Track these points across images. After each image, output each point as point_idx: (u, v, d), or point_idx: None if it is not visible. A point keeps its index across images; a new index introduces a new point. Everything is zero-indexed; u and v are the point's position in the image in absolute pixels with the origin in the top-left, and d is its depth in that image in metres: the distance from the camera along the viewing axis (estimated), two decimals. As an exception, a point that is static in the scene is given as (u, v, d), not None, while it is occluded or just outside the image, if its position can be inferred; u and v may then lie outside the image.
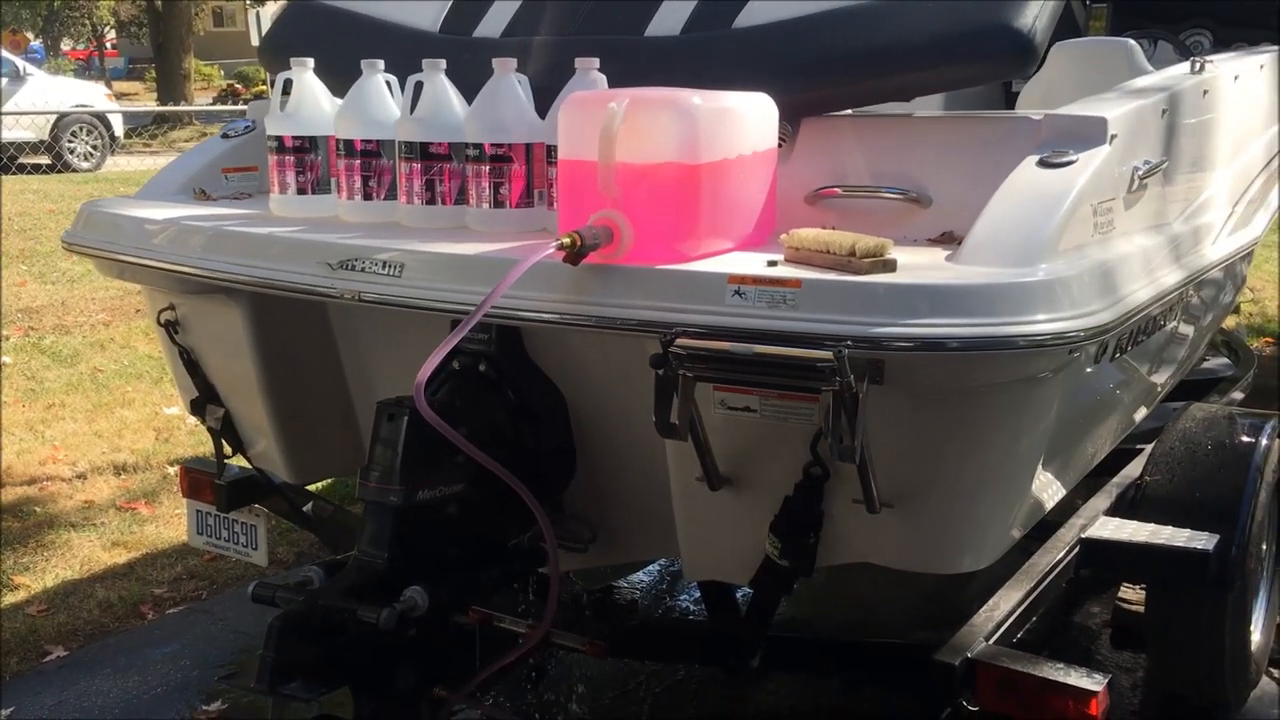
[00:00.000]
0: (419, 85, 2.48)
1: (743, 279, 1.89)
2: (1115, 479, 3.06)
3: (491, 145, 2.38)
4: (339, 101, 2.64)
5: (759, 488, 2.13)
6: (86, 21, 39.66)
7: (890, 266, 1.90)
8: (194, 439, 5.25)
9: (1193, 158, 2.72)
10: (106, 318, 7.46)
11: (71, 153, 15.38)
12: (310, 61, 2.65)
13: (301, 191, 2.65)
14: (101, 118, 15.87)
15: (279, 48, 3.11)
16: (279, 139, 2.63)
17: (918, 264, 1.96)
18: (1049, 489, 2.33)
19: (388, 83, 2.57)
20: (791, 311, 1.84)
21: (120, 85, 33.18)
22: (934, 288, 1.81)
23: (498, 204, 2.40)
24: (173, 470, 4.91)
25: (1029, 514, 2.26)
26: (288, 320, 2.70)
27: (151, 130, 23.08)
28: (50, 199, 11.69)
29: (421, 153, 2.45)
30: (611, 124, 1.97)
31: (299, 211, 2.64)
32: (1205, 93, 2.75)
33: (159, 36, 24.87)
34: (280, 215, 2.64)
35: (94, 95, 17.09)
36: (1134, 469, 3.11)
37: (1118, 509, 2.88)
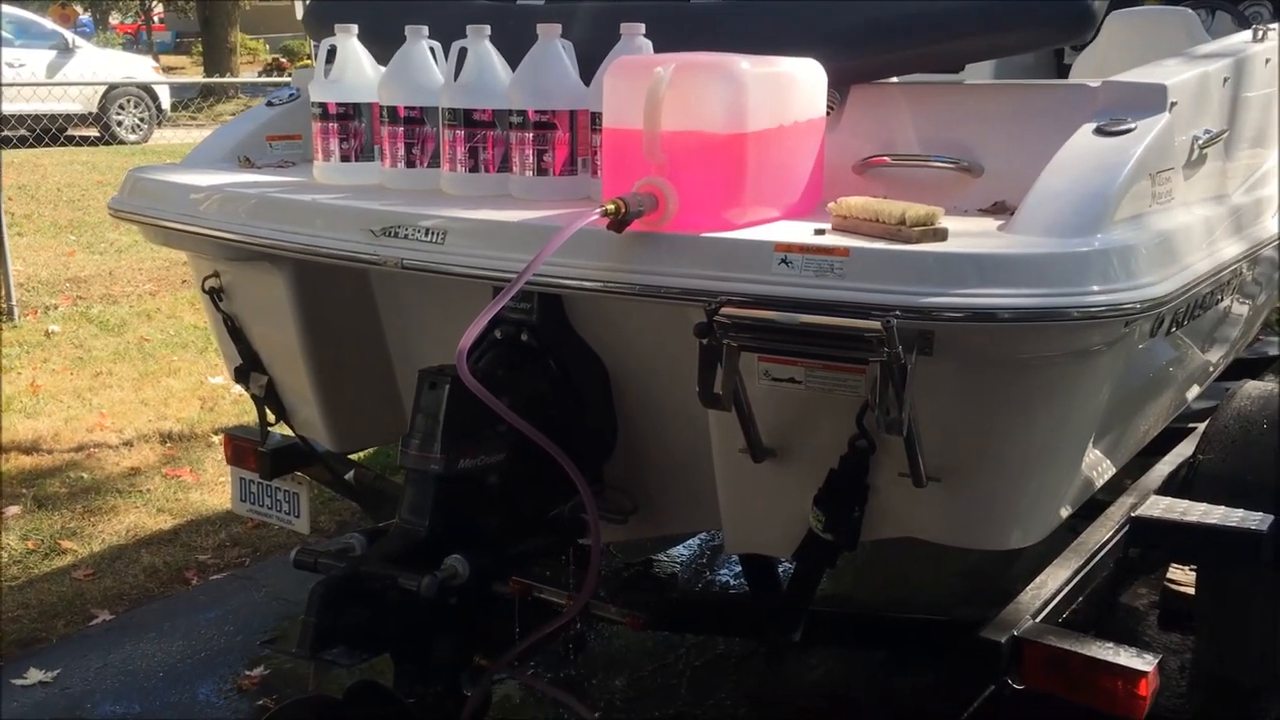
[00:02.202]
0: (463, 51, 2.45)
1: (789, 247, 1.85)
2: (1167, 458, 3.01)
3: (535, 112, 2.35)
4: (383, 68, 2.62)
5: (803, 460, 2.10)
6: (134, -5, 39.93)
7: (941, 235, 1.86)
8: (238, 408, 5.29)
9: (1254, 129, 2.64)
10: (153, 288, 7.53)
11: (119, 125, 15.53)
12: (354, 28, 2.63)
13: (345, 159, 2.64)
14: (149, 90, 16.00)
15: (324, 15, 3.09)
16: (323, 106, 2.62)
17: (969, 233, 1.91)
18: (1099, 466, 2.28)
19: (431, 49, 2.55)
20: (839, 280, 1.80)
21: (167, 59, 33.42)
22: (985, 256, 1.77)
23: (541, 172, 2.38)
24: (217, 439, 4.96)
25: (1079, 491, 2.22)
26: (331, 287, 2.69)
27: (198, 103, 23.22)
28: (98, 170, 11.81)
29: (465, 119, 2.43)
30: (657, 89, 1.94)
31: (343, 179, 2.63)
32: (1268, 61, 2.67)
33: (206, 10, 25.02)
34: (324, 182, 2.63)
35: (142, 68, 17.22)
36: (1186, 448, 3.05)
37: (1169, 488, 2.82)
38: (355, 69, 2.64)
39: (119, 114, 15.60)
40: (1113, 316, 1.79)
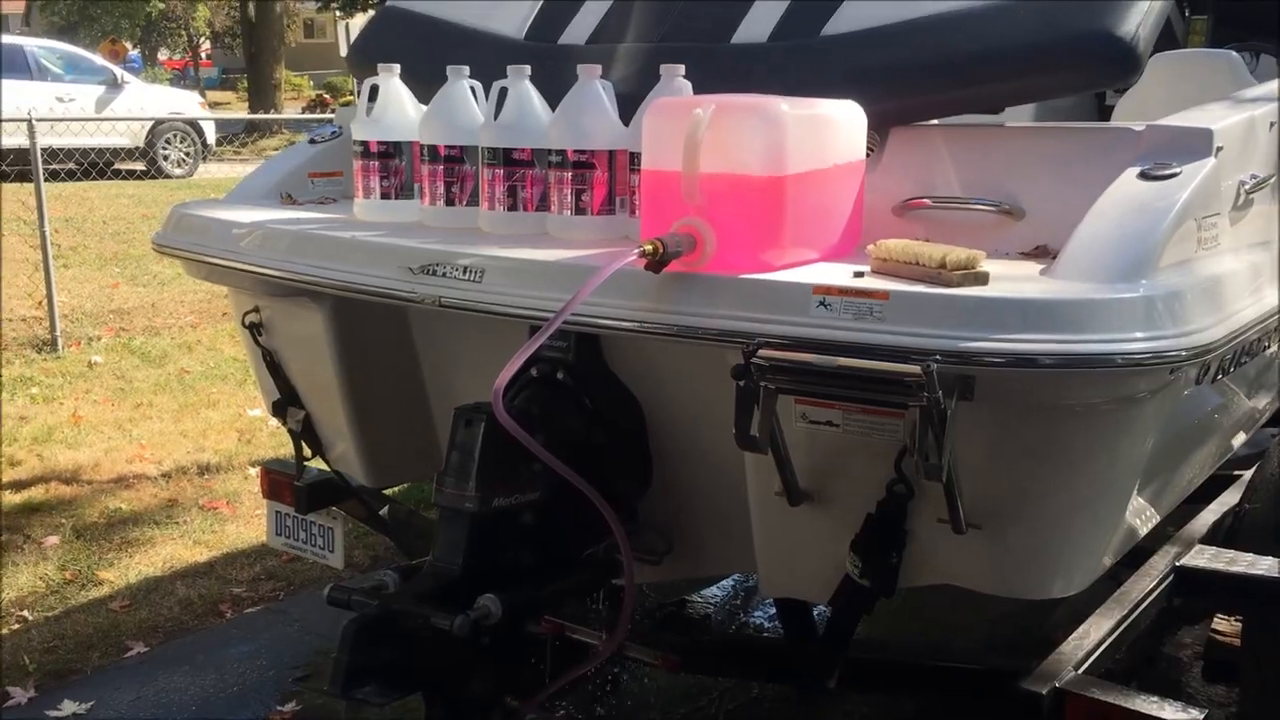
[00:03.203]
0: (503, 91, 2.47)
1: (828, 289, 1.84)
2: (1212, 506, 2.95)
3: (574, 152, 2.36)
4: (424, 107, 2.64)
5: (840, 504, 2.08)
6: (183, 32, 40.75)
7: (982, 279, 1.84)
8: (275, 441, 5.32)
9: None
10: (194, 320, 7.61)
11: (165, 159, 15.78)
12: (396, 68, 2.66)
13: (385, 196, 2.66)
14: (195, 125, 16.26)
15: (367, 54, 3.13)
16: (364, 144, 2.64)
17: (1010, 277, 1.89)
18: (1143, 514, 2.24)
19: (472, 89, 2.57)
20: (878, 324, 1.78)
21: (213, 94, 34.02)
22: (1027, 301, 1.75)
23: (579, 211, 2.38)
24: (254, 471, 4.98)
25: (1122, 540, 2.18)
26: (369, 324, 2.71)
27: (242, 138, 23.62)
28: (144, 204, 12.00)
29: (504, 158, 2.44)
30: (696, 130, 1.94)
31: (383, 216, 2.64)
32: (1316, 105, 2.63)
33: (251, 47, 25.51)
34: (364, 219, 2.65)
35: (188, 103, 17.52)
36: (1231, 496, 2.99)
37: (1214, 536, 2.77)
38: (397, 108, 2.66)
39: (165, 148, 15.86)
40: (1158, 364, 1.76)
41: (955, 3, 2.33)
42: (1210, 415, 2.49)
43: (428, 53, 2.90)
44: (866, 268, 1.98)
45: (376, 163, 2.65)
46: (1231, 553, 2.57)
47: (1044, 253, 2.16)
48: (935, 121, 2.48)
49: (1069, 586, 2.07)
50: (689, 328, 1.94)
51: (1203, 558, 2.56)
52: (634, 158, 2.33)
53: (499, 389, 1.95)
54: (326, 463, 3.05)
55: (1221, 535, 2.74)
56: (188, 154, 16.37)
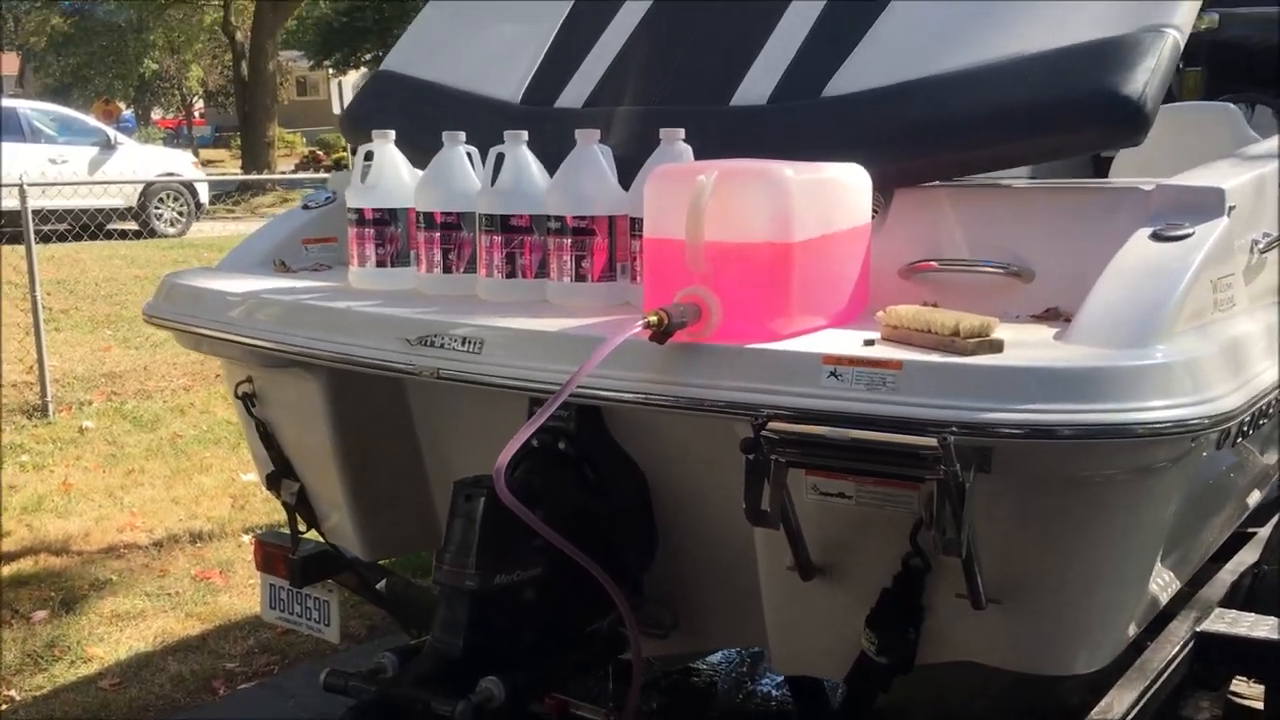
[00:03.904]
0: (500, 156, 2.43)
1: (839, 359, 1.79)
2: (1229, 566, 2.88)
3: (574, 218, 2.32)
4: (419, 173, 2.61)
5: (854, 578, 2.02)
6: (176, 92, 41.03)
7: (997, 347, 1.79)
8: (269, 507, 5.23)
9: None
10: (187, 382, 7.54)
11: (158, 219, 15.79)
12: (392, 134, 2.62)
13: (381, 264, 2.61)
14: (188, 185, 16.29)
15: (361, 118, 3.11)
16: (359, 211, 2.60)
17: (1025, 343, 1.84)
18: (1166, 582, 2.18)
19: (469, 154, 2.54)
20: (891, 394, 1.73)
21: (207, 152, 34.23)
22: (1046, 370, 1.69)
23: (579, 277, 2.34)
24: (247, 538, 4.90)
25: (1146, 610, 2.12)
26: (365, 395, 2.65)
27: (235, 196, 23.70)
28: (137, 264, 11.97)
29: (502, 225, 2.40)
30: (700, 198, 1.90)
31: (378, 284, 2.59)
32: (1324, 160, 2.60)
33: (245, 105, 25.64)
34: (359, 288, 2.60)
35: (181, 163, 17.56)
36: (1248, 555, 2.93)
37: (1233, 598, 2.70)
38: (392, 174, 2.62)
39: (158, 208, 15.88)
40: (1179, 433, 1.71)
41: (957, 63, 2.30)
42: (1228, 477, 2.44)
43: (423, 118, 2.87)
44: (876, 335, 1.93)
45: (371, 230, 2.61)
46: (1252, 616, 2.51)
47: (1055, 315, 2.12)
48: (939, 182, 2.44)
49: (1094, 661, 2.00)
50: (696, 400, 1.89)
51: (1223, 622, 2.49)
52: (634, 223, 2.29)
53: (501, 467, 1.89)
54: (321, 535, 2.97)
55: (1241, 597, 2.67)
56: (180, 213, 16.39)
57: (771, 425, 1.78)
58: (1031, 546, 1.88)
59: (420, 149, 2.63)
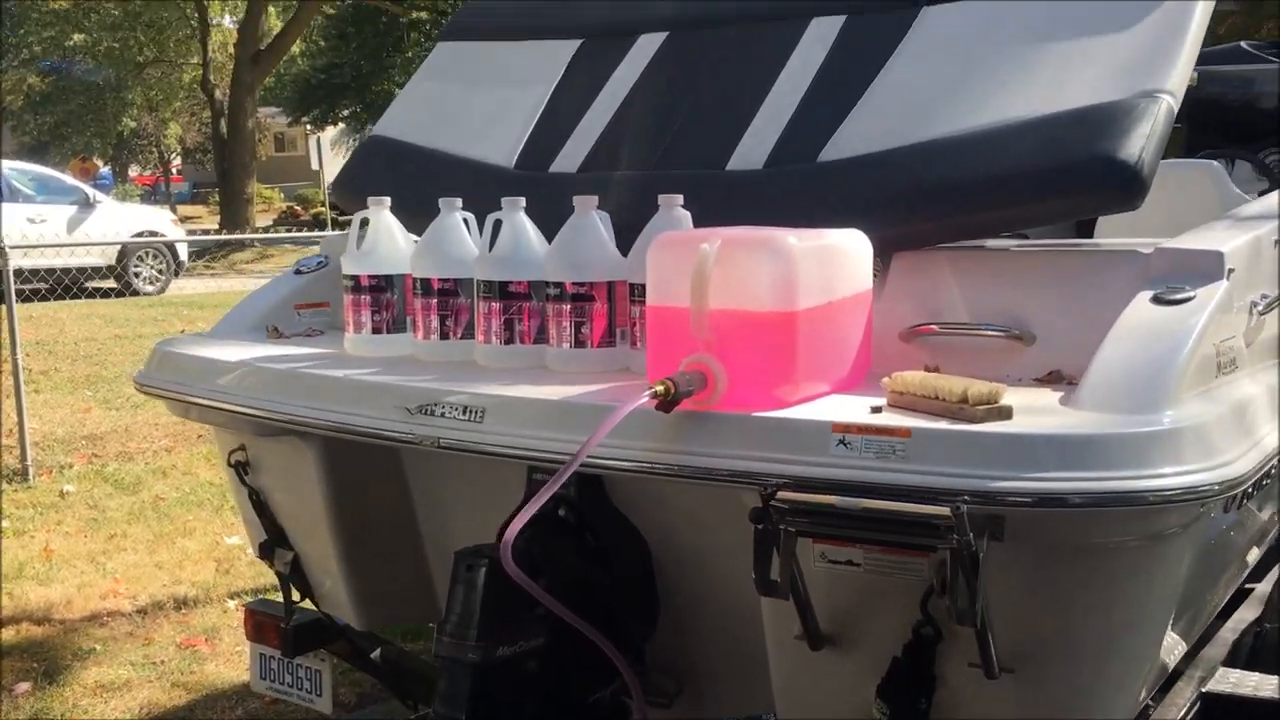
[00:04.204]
0: (498, 223, 2.43)
1: (847, 427, 1.78)
2: (1229, 624, 2.87)
3: (573, 284, 2.31)
4: (415, 239, 2.60)
5: (864, 647, 1.99)
6: (154, 149, 41.08)
7: (1006, 414, 1.78)
8: (254, 571, 5.17)
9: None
10: (169, 444, 7.47)
11: (137, 276, 15.72)
12: (387, 200, 2.62)
13: (377, 331, 2.60)
14: (168, 244, 16.26)
15: (353, 185, 3.10)
16: (355, 278, 2.59)
17: (1032, 409, 1.83)
18: (1173, 644, 2.17)
19: (465, 220, 2.53)
20: (902, 463, 1.72)
21: (184, 209, 34.21)
22: (1058, 438, 1.69)
23: (579, 344, 2.33)
24: (233, 603, 4.83)
25: (1157, 675, 2.10)
26: (361, 463, 2.62)
27: (213, 253, 23.66)
28: (116, 324, 11.89)
29: (501, 291, 2.39)
30: (704, 266, 1.89)
31: (374, 351, 2.58)
32: (1313, 219, 2.63)
33: (224, 163, 25.69)
34: (355, 355, 2.58)
35: (160, 221, 17.55)
36: (1248, 612, 2.92)
37: (1235, 656, 2.69)
38: (388, 241, 2.61)
39: (137, 265, 15.82)
40: (1191, 500, 1.71)
41: (953, 128, 2.32)
42: (1232, 538, 2.43)
43: (416, 183, 2.87)
44: (882, 401, 1.92)
45: (368, 296, 2.59)
46: (1256, 676, 2.50)
47: (1058, 379, 2.12)
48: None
49: (1107, 729, 1.98)
50: (703, 469, 1.88)
51: (1227, 683, 2.48)
52: (634, 289, 2.29)
53: (508, 541, 1.87)
54: (314, 604, 2.93)
55: (1243, 655, 2.66)
56: (160, 271, 16.34)
57: (781, 494, 1.77)
58: (1045, 615, 1.86)
59: (414, 214, 2.62)
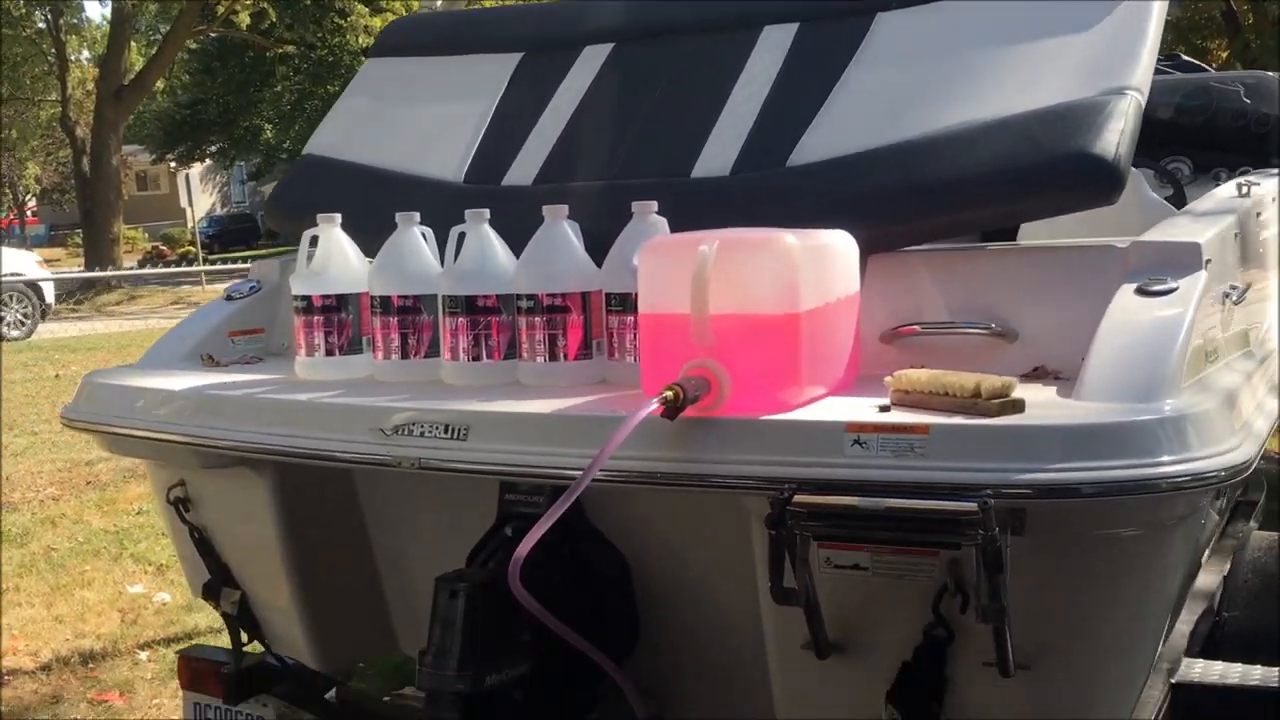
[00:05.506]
0: (462, 235, 2.35)
1: (862, 427, 1.75)
2: (1183, 615, 2.92)
3: (547, 295, 2.24)
4: (369, 259, 2.49)
5: (872, 653, 1.96)
6: (8, 190, 39.45)
7: (1019, 407, 1.77)
8: (162, 619, 4.92)
9: (1258, 280, 2.66)
10: (56, 492, 7.09)
11: (2, 320, 15.02)
12: (338, 217, 2.50)
13: (331, 353, 2.48)
14: (33, 285, 15.59)
15: (291, 205, 2.98)
16: (307, 299, 2.46)
17: (1034, 402, 1.83)
18: (1178, 635, 2.19)
19: (424, 234, 2.44)
20: (921, 460, 1.69)
21: (43, 251, 32.85)
22: (1080, 429, 1.68)
23: (554, 357, 2.25)
24: (144, 655, 4.58)
25: (1158, 662, 2.11)
26: (314, 491, 2.51)
27: (78, 295, 22.77)
28: (-17, 370, 11.30)
29: (467, 306, 2.30)
30: (704, 269, 1.85)
31: (330, 374, 2.46)
32: (1258, 214, 2.71)
33: (86, 202, 24.76)
34: (309, 378, 2.45)
35: (25, 263, 16.81)
36: (1198, 603, 2.97)
37: (1196, 647, 2.73)
38: (340, 259, 2.49)
39: (2, 310, 15.11)
40: (1204, 485, 1.72)
41: (923, 129, 2.32)
42: (1206, 528, 2.47)
43: (358, 201, 2.76)
44: (886, 400, 1.90)
45: (320, 317, 2.47)
46: (1220, 665, 2.53)
47: (1043, 374, 2.12)
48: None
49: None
50: (711, 475, 1.82)
51: (1194, 672, 2.51)
52: (610, 298, 2.23)
53: (518, 559, 1.79)
54: (265, 646, 2.78)
55: (1208, 645, 2.70)
56: (25, 315, 15.62)
57: (797, 498, 1.73)
58: (1058, 608, 1.85)
59: (358, 232, 2.52)
